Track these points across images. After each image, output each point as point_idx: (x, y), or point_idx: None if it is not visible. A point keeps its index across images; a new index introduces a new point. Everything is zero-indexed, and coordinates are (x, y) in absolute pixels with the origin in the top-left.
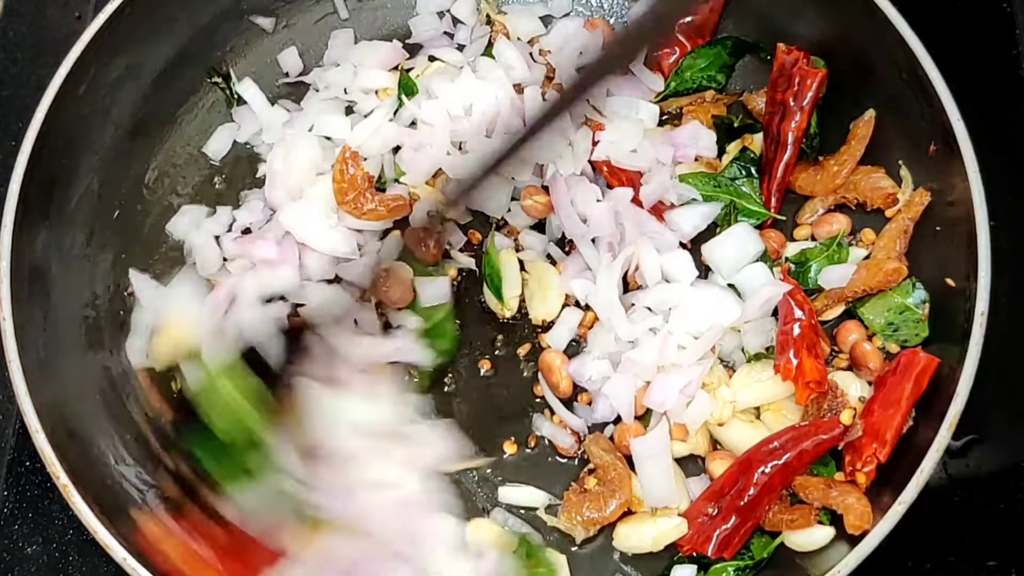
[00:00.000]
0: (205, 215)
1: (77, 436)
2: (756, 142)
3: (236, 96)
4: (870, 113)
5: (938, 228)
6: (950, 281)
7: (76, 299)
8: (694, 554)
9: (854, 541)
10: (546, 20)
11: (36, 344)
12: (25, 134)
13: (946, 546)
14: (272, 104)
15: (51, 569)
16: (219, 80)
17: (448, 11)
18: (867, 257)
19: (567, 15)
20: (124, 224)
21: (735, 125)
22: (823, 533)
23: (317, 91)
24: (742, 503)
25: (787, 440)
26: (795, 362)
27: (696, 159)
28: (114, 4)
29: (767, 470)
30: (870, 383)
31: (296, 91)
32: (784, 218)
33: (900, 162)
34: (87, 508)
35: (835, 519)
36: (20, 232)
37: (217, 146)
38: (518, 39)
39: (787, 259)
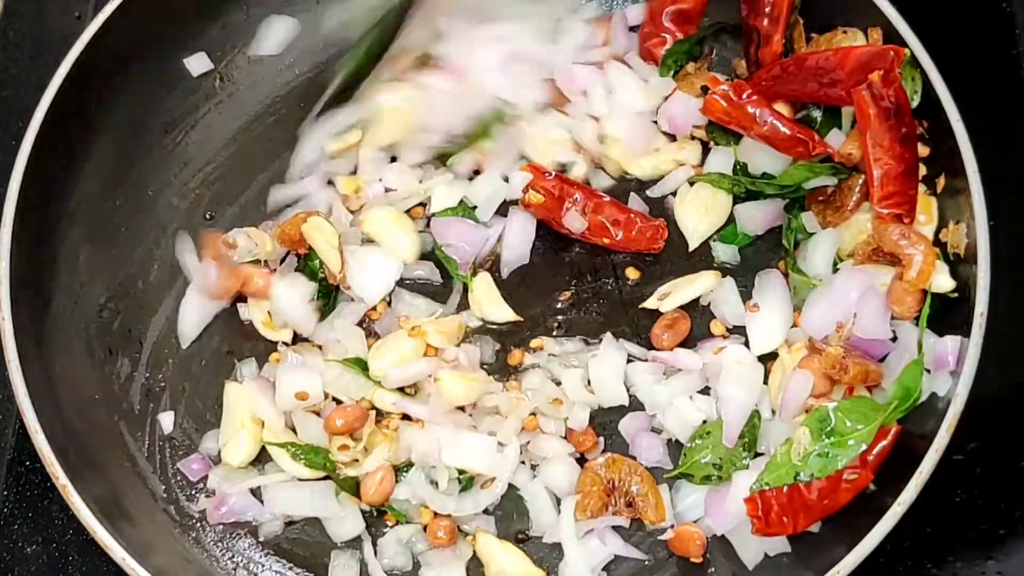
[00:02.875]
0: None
1: (77, 436)
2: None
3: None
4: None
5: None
6: None
7: (76, 299)
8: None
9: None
10: None
11: (36, 344)
12: (25, 134)
13: (946, 546)
14: None
15: (51, 569)
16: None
17: None
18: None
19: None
20: (124, 225)
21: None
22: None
23: None
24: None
25: None
26: None
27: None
28: (114, 4)
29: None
30: None
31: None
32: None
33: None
34: (87, 508)
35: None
36: (20, 232)
37: None
38: None
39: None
